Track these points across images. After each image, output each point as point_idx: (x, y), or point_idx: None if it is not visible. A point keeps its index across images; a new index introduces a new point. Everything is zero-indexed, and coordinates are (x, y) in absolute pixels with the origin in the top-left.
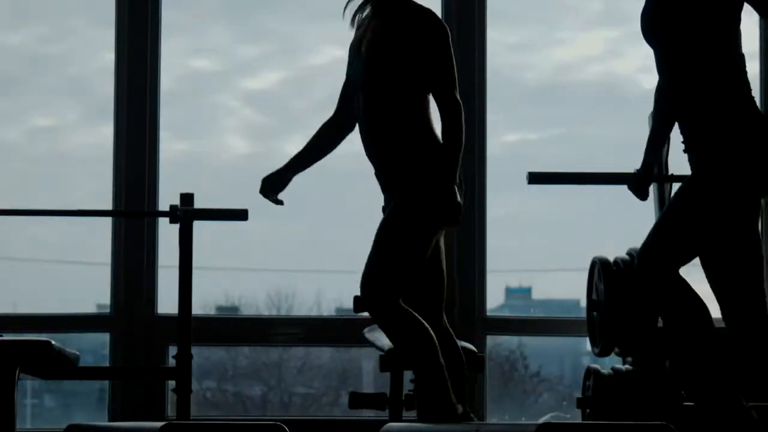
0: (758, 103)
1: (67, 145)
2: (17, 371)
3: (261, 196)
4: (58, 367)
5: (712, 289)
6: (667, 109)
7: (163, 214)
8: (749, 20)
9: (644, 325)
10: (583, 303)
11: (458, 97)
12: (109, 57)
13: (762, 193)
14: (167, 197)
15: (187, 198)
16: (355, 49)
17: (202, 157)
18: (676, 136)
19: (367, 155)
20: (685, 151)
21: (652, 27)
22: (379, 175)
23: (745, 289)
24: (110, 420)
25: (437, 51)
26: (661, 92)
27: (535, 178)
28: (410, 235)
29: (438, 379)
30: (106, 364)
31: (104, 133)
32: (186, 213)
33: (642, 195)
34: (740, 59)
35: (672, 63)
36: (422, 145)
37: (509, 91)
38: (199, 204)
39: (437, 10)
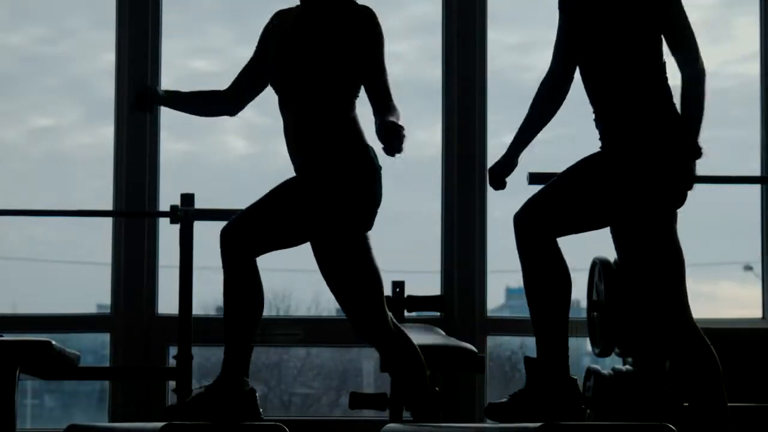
0: (758, 104)
1: (67, 145)
2: (17, 371)
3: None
4: (58, 367)
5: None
6: (550, 105)
7: (164, 214)
8: (749, 20)
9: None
10: (584, 303)
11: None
12: (109, 57)
13: (673, 196)
14: (167, 197)
15: (187, 198)
16: (280, 42)
17: (202, 157)
18: None
19: (289, 151)
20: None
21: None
22: (302, 170)
23: (667, 294)
24: (110, 420)
25: (371, 50)
26: (548, 83)
27: (535, 178)
28: (364, 254)
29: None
30: (106, 364)
31: (104, 133)
32: (186, 213)
33: (498, 185)
34: (662, 64)
35: (590, 57)
36: (350, 146)
37: (509, 91)
38: (199, 204)
39: (437, 11)
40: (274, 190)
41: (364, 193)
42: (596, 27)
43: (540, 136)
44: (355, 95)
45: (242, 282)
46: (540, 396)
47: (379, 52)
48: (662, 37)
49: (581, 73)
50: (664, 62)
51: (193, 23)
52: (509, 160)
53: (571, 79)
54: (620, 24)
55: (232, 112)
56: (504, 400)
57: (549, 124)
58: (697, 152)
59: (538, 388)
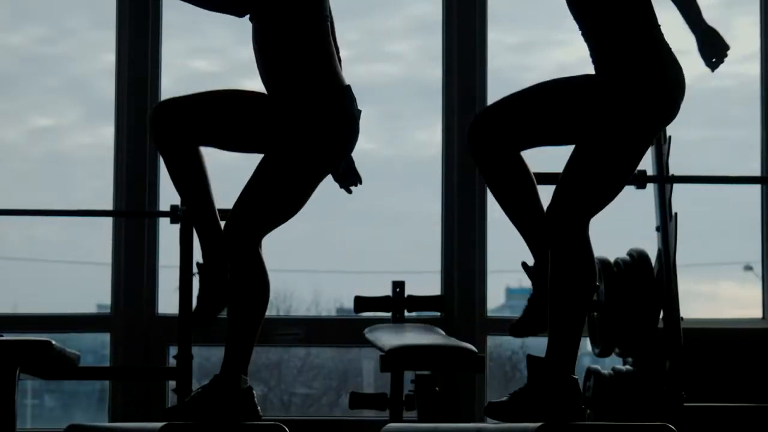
0: (758, 104)
1: (67, 145)
2: (17, 371)
3: None
4: (58, 367)
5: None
6: None
7: (164, 214)
8: (749, 20)
9: (644, 325)
10: None
11: None
12: (109, 57)
13: (651, 124)
14: (168, 197)
15: None
16: None
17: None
18: (676, 139)
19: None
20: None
21: None
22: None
23: (575, 192)
24: (110, 420)
25: None
26: None
27: (535, 178)
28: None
29: None
30: (106, 364)
31: (104, 133)
32: (186, 213)
33: None
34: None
35: None
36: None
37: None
38: None
39: (438, 11)
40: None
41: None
42: None
43: None
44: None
45: (248, 271)
46: (540, 395)
47: None
48: None
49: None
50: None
51: (193, 23)
52: None
53: None
54: None
55: (239, 13)
56: (504, 398)
57: None
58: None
59: (538, 387)
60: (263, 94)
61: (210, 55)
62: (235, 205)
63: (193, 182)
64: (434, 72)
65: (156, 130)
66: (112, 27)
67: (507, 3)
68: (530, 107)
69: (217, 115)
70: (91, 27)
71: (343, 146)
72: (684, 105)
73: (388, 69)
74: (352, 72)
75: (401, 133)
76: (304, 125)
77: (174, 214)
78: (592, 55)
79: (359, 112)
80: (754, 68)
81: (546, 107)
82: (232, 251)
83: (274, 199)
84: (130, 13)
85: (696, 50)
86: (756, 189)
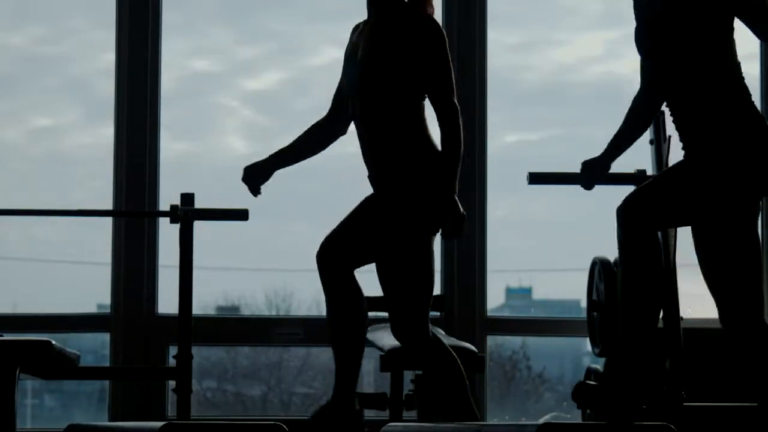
0: (758, 104)
1: (67, 145)
2: (17, 371)
3: (246, 186)
4: (58, 367)
5: (709, 289)
6: (644, 113)
7: (164, 214)
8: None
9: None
10: (584, 303)
11: (456, 102)
12: (109, 57)
13: (757, 192)
14: (167, 197)
15: (187, 198)
16: (350, 54)
17: (202, 157)
18: (676, 138)
19: (365, 161)
20: (683, 148)
21: (647, 45)
22: (374, 181)
23: (743, 290)
24: (110, 420)
25: (435, 56)
26: (643, 99)
27: (535, 178)
28: (426, 260)
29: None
30: (106, 364)
31: (104, 133)
32: (186, 213)
33: (589, 185)
34: (737, 66)
35: (669, 74)
36: (420, 153)
37: (509, 91)
38: (199, 204)
39: (438, 11)
40: (357, 207)
41: (433, 197)
42: (670, 38)
43: (535, 136)
44: (421, 101)
45: (342, 298)
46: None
47: (440, 59)
48: (733, 30)
49: (665, 88)
50: (739, 63)
51: (193, 23)
52: (603, 161)
53: (661, 93)
54: (692, 21)
55: (342, 132)
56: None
57: (549, 124)
58: None
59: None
60: (372, 194)
61: (210, 55)
62: (336, 235)
63: (349, 314)
64: None
65: (323, 270)
66: (112, 27)
67: (507, 3)
68: (663, 197)
69: (361, 237)
70: (91, 27)
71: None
72: None
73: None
74: None
75: None
76: (415, 208)
77: (174, 214)
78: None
79: None
80: (754, 68)
81: (672, 199)
82: (326, 276)
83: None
84: (130, 13)
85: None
86: None
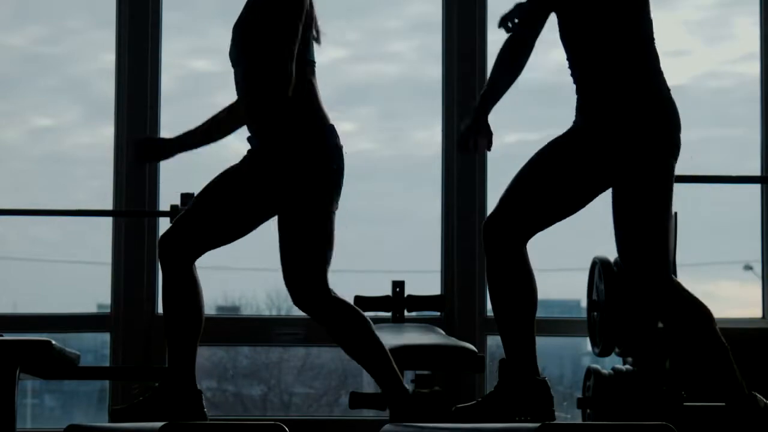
0: (758, 103)
1: (67, 145)
2: (17, 371)
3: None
4: (58, 367)
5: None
6: (518, 61)
7: (164, 214)
8: (749, 21)
9: (644, 325)
10: (584, 303)
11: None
12: (109, 57)
13: (650, 156)
14: (167, 197)
15: (187, 198)
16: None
17: (202, 157)
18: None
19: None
20: (578, 111)
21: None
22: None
23: (645, 250)
24: (110, 420)
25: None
26: (515, 42)
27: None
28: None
29: None
30: (106, 364)
31: (104, 133)
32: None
33: (465, 148)
34: (648, 40)
35: (574, 32)
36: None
37: (509, 91)
38: None
39: (437, 11)
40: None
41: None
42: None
43: (540, 136)
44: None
45: (178, 288)
46: (509, 397)
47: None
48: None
49: (565, 42)
50: (653, 38)
51: (193, 23)
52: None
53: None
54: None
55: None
56: (473, 402)
57: (549, 124)
58: None
59: (507, 390)
60: (245, 159)
61: (210, 55)
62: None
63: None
64: (434, 72)
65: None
66: (112, 27)
67: (507, 3)
68: (535, 198)
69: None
70: (91, 27)
71: (340, 173)
72: (684, 105)
73: (387, 69)
74: (352, 72)
75: (401, 133)
76: (304, 163)
77: (174, 214)
78: (586, 92)
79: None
80: (754, 68)
81: (552, 191)
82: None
83: (320, 247)
84: (130, 13)
85: (696, 50)
86: (756, 189)
